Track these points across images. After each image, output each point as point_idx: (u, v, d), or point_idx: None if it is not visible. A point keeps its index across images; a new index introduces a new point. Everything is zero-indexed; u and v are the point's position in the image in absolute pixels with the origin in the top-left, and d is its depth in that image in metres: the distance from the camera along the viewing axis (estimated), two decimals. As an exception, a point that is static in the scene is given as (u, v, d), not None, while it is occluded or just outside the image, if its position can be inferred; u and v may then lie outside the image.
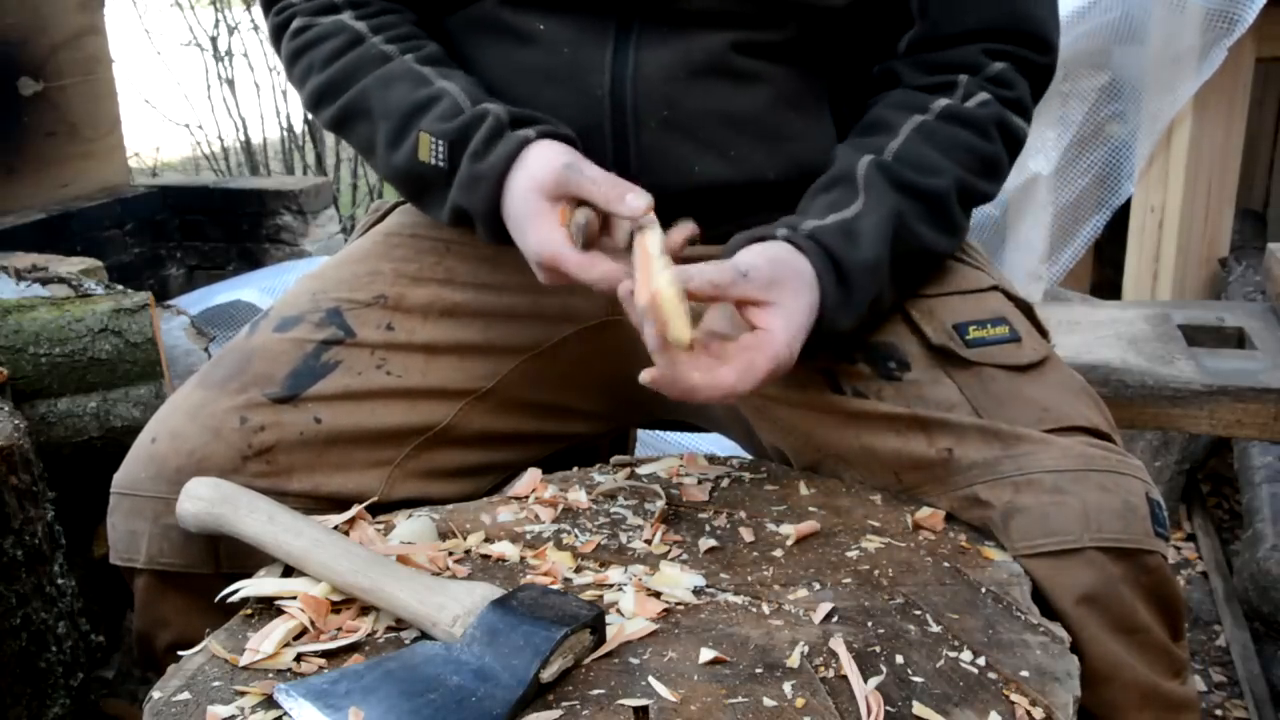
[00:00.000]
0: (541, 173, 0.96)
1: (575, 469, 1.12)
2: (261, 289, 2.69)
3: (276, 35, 1.14)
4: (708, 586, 0.90)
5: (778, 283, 0.92)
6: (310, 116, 1.16)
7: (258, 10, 4.39)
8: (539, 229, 0.96)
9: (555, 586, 0.89)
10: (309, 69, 1.10)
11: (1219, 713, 1.81)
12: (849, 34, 1.08)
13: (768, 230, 0.98)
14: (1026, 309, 1.10)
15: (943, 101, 1.05)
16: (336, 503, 1.03)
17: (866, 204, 0.99)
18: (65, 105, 3.01)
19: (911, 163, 1.02)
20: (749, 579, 0.91)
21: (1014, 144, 1.08)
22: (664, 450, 1.28)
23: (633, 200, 0.92)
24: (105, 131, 3.17)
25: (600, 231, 0.97)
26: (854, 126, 1.10)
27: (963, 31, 1.07)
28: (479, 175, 0.99)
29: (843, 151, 1.06)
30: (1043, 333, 1.10)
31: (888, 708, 0.74)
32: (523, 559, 0.95)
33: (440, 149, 1.01)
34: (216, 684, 0.80)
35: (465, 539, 0.98)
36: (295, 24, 1.11)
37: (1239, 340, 1.63)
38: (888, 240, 0.98)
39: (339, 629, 0.85)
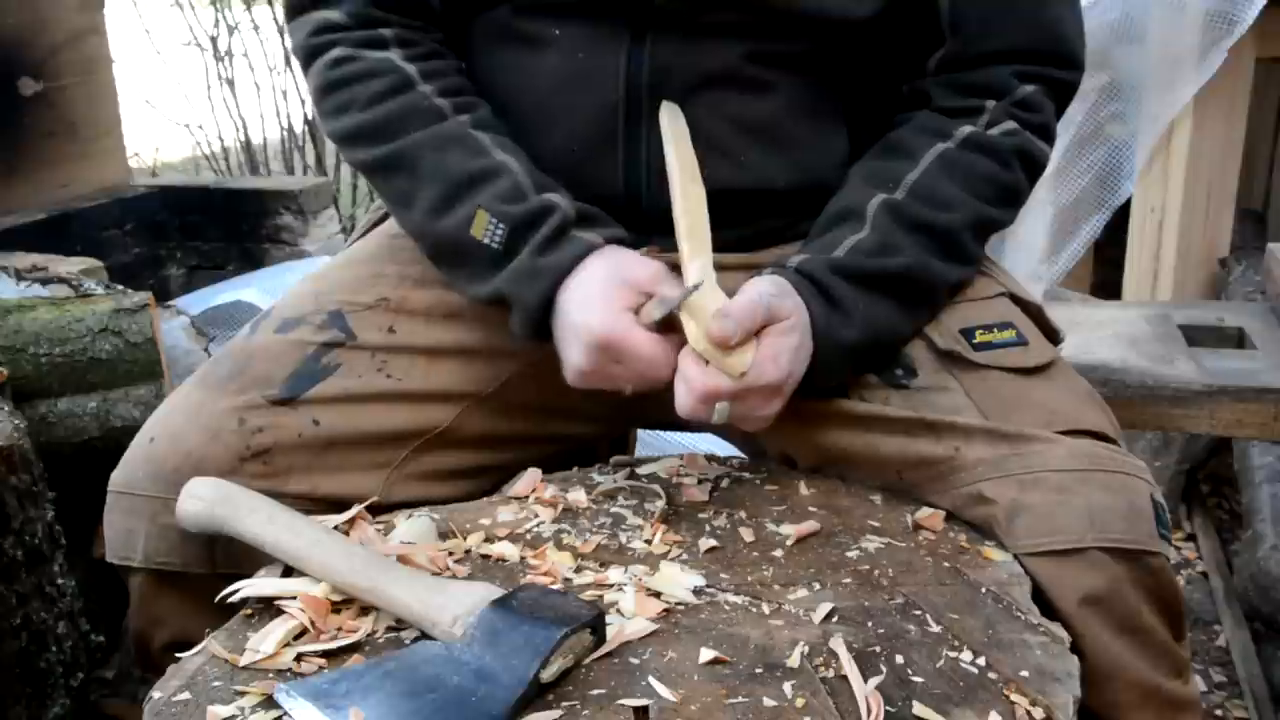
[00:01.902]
0: (632, 268, 0.97)
1: (575, 469, 1.12)
2: (262, 289, 2.68)
3: (311, 56, 1.09)
4: (708, 586, 0.90)
5: (779, 308, 0.95)
6: (335, 145, 1.13)
7: (258, 10, 4.40)
8: (611, 308, 0.94)
9: (555, 586, 0.89)
10: (347, 104, 1.06)
11: (1219, 713, 1.81)
12: (868, 48, 1.09)
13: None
14: (1036, 312, 1.10)
15: (966, 129, 1.06)
16: (334, 504, 1.03)
17: (869, 239, 1.01)
18: (65, 105, 3.00)
19: (925, 197, 1.03)
20: (749, 579, 0.91)
21: (1034, 170, 1.09)
22: (664, 450, 1.28)
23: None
24: (105, 131, 3.16)
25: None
26: (872, 140, 1.11)
27: (994, 51, 1.07)
28: (540, 269, 0.98)
29: (855, 180, 1.07)
30: (1053, 335, 1.10)
31: (888, 708, 0.74)
32: (523, 559, 0.95)
33: (498, 231, 0.99)
34: (216, 684, 0.80)
35: (465, 539, 0.98)
36: (336, 52, 1.07)
37: (1239, 340, 1.63)
38: (880, 270, 1.00)
39: (339, 629, 0.85)
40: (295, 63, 1.17)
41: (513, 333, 1.02)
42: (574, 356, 0.97)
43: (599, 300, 0.95)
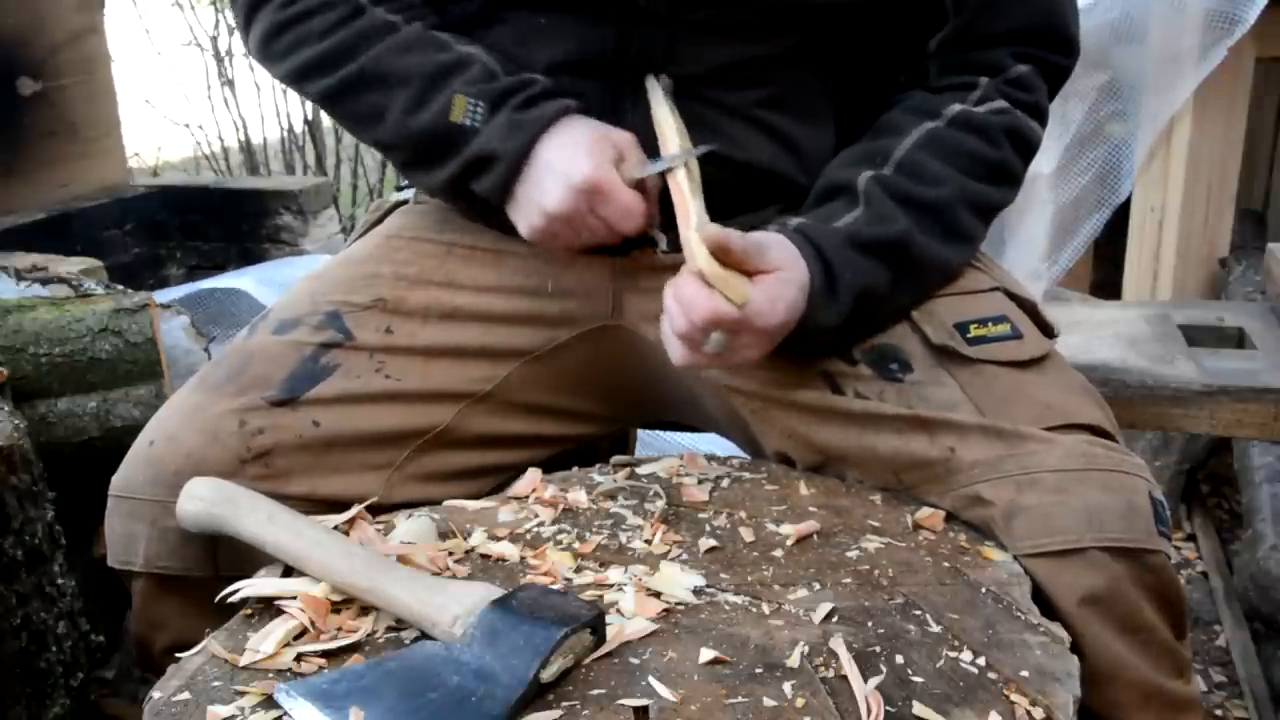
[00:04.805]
0: (613, 131, 1.01)
1: (575, 469, 1.12)
2: (257, 279, 2.69)
3: (256, 6, 1.10)
4: (708, 586, 0.90)
5: (780, 259, 0.95)
6: (296, 91, 1.16)
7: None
8: (598, 157, 0.98)
9: (555, 586, 0.89)
10: (300, 41, 1.08)
11: (1219, 713, 1.81)
12: (859, 36, 1.09)
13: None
14: (1030, 307, 1.10)
15: (955, 107, 1.06)
16: (335, 505, 1.03)
17: (865, 213, 1.01)
18: (65, 105, 3.00)
19: (911, 172, 1.03)
20: (749, 579, 0.91)
21: (1026, 149, 1.09)
22: (664, 450, 1.28)
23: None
24: (105, 131, 3.16)
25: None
26: (862, 126, 1.11)
27: (996, 34, 1.08)
28: (522, 122, 1.00)
29: (844, 157, 1.07)
30: (1048, 329, 1.10)
31: (888, 708, 0.74)
32: (523, 559, 0.95)
33: (479, 109, 1.02)
34: (216, 684, 0.80)
35: (465, 539, 0.98)
36: None
37: (1239, 340, 1.62)
38: (878, 238, 1.00)
39: (339, 629, 0.85)
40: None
41: (481, 193, 1.04)
42: (552, 199, 0.99)
43: (586, 149, 0.98)
